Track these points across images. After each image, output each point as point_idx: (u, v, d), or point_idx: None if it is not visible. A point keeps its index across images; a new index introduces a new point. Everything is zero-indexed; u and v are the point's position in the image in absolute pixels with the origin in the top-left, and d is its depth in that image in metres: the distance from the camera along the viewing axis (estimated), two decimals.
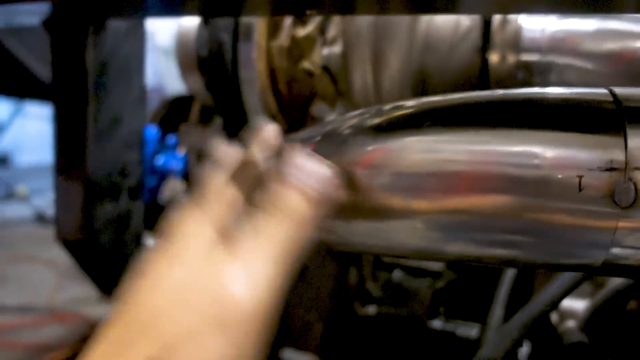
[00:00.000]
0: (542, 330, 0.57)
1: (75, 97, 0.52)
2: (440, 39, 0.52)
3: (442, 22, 0.51)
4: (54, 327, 1.99)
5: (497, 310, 0.52)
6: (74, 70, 0.51)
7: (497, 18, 0.51)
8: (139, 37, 0.54)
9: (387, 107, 0.33)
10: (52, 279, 2.31)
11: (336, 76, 0.57)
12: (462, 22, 0.51)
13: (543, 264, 0.26)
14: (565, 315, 0.52)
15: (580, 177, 0.23)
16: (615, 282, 0.48)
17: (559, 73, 0.50)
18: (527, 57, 0.51)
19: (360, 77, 0.53)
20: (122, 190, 0.55)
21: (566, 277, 0.42)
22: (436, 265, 0.79)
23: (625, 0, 0.26)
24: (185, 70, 0.61)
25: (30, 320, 2.01)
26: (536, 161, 0.25)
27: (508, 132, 0.27)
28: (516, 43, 0.50)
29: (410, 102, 0.32)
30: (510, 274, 0.55)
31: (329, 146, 0.34)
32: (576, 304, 0.51)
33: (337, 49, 0.55)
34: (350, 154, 0.32)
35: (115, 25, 0.50)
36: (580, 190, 0.23)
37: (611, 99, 0.24)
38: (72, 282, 2.33)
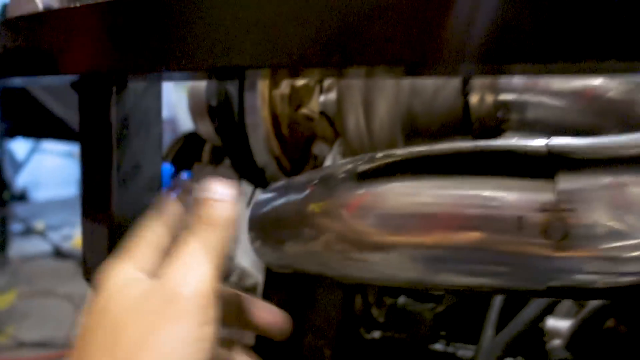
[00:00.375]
0: (535, 351, 0.61)
1: (100, 148, 0.58)
2: (425, 84, 0.57)
3: None
4: None
5: (488, 331, 0.56)
6: (99, 125, 0.57)
7: None
8: (156, 93, 0.60)
9: (379, 155, 0.39)
10: (70, 313, 2.35)
11: (333, 119, 0.63)
12: None
13: (503, 289, 0.31)
14: (552, 334, 0.56)
15: (521, 217, 0.28)
16: (595, 302, 0.52)
17: (534, 111, 0.55)
18: (504, 97, 0.56)
19: (354, 120, 0.58)
20: None
21: (542, 300, 0.46)
22: (438, 290, 0.83)
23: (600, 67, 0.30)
24: (196, 118, 0.68)
25: (50, 354, 2.05)
26: (488, 203, 0.30)
27: (468, 179, 0.32)
28: (493, 85, 0.56)
29: (398, 152, 0.38)
30: (499, 298, 0.59)
31: (324, 189, 0.40)
32: (561, 324, 0.55)
33: (332, 96, 0.61)
34: (341, 197, 0.38)
35: (135, 85, 0.57)
36: (521, 227, 0.28)
37: (546, 149, 0.30)
38: None
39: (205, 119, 0.67)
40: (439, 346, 0.76)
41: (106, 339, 0.29)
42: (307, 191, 0.40)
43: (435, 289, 0.36)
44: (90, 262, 0.57)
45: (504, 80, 0.56)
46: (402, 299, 0.87)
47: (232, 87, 0.62)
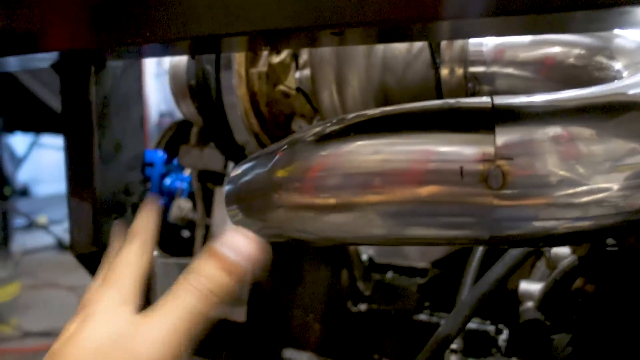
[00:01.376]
0: (512, 316, 0.63)
1: (82, 128, 0.60)
2: (396, 58, 0.59)
3: (398, 43, 0.58)
4: None
5: (464, 295, 0.58)
6: (80, 105, 0.59)
7: None
8: (136, 73, 0.62)
9: (349, 116, 0.39)
10: (73, 303, 2.39)
11: (310, 95, 0.64)
12: (415, 42, 0.58)
13: (449, 239, 0.32)
14: (525, 297, 0.57)
15: (462, 167, 0.29)
16: (563, 264, 0.53)
17: (503, 81, 0.57)
18: (473, 69, 0.57)
19: (328, 96, 0.60)
20: (127, 207, 0.63)
21: (507, 260, 0.48)
22: (423, 264, 0.85)
23: (565, 21, 0.31)
24: (178, 98, 0.69)
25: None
26: (435, 157, 0.31)
27: (420, 135, 0.33)
28: (462, 57, 0.57)
29: (368, 112, 0.38)
30: (474, 263, 0.61)
31: (290, 154, 0.40)
32: (533, 287, 0.57)
33: (307, 72, 0.63)
34: (307, 159, 0.38)
35: (115, 64, 0.58)
36: (463, 178, 0.29)
37: (491, 105, 0.31)
38: None
39: (186, 99, 0.68)
40: (423, 316, 0.78)
41: None
42: (276, 157, 0.41)
43: (408, 243, 0.37)
44: (77, 238, 0.59)
45: (472, 52, 0.57)
46: (389, 274, 0.88)
47: (209, 66, 0.64)
